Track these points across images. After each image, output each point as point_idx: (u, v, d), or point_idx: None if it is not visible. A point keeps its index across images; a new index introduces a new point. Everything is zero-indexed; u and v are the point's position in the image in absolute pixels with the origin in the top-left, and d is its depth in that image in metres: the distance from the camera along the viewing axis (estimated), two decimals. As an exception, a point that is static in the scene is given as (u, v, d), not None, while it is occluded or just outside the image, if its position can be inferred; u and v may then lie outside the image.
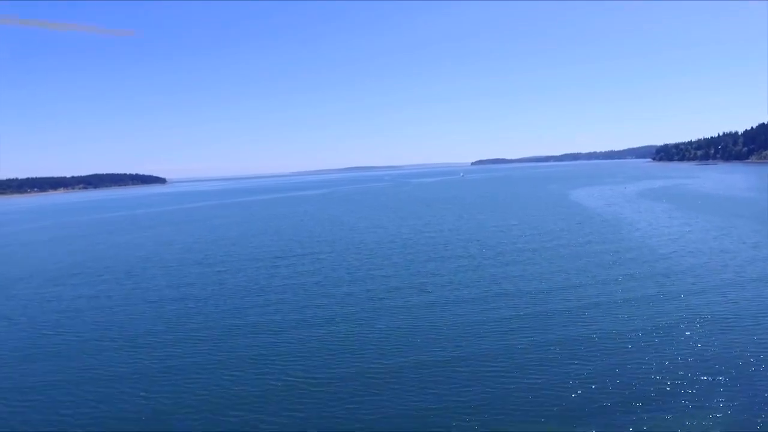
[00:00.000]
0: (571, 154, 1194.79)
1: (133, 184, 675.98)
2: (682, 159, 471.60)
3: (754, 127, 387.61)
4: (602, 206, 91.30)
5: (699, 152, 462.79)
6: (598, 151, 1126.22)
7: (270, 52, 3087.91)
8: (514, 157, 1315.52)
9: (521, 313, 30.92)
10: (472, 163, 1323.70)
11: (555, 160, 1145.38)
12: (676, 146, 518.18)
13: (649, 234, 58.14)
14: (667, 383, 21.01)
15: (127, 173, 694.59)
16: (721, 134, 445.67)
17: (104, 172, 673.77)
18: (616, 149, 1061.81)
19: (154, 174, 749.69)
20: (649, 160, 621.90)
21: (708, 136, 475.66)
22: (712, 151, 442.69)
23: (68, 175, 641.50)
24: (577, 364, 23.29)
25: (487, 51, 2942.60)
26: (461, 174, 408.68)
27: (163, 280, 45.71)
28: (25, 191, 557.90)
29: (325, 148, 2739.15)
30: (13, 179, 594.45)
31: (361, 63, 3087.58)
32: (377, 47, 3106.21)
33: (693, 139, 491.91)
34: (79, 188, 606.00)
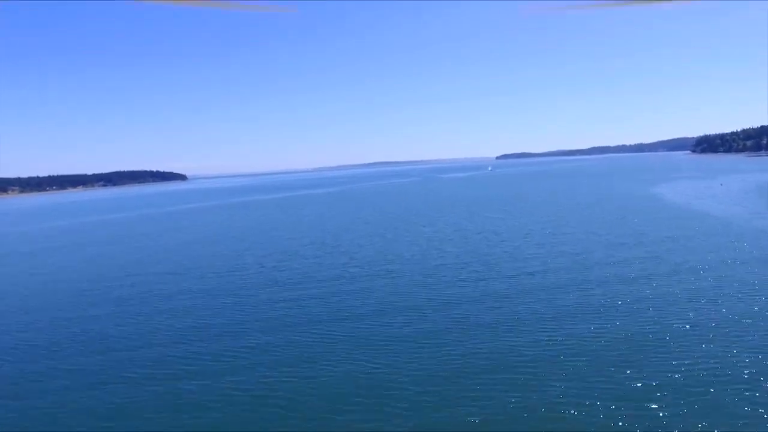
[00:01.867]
0: (599, 147, 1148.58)
1: (153, 181, 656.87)
2: (728, 150, 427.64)
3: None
4: (753, 218, 57.51)
5: (748, 143, 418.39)
6: (627, 144, 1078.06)
7: (298, 50, 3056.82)
8: (539, 151, 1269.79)
9: None
10: (497, 158, 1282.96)
11: (582, 154, 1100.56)
12: (721, 137, 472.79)
13: None
14: None
15: (148, 170, 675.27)
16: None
17: (125, 170, 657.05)
18: (645, 142, 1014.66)
19: (175, 171, 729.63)
20: (688, 152, 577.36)
21: (743, 127, 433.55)
22: (765, 141, 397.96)
23: (90, 173, 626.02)
24: None
25: (510, 46, 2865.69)
26: (489, 168, 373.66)
27: None
28: (45, 189, 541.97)
29: (348, 143, 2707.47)
30: (33, 177, 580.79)
31: (385, 60, 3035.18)
32: (404, 44, 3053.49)
33: (737, 130, 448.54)
34: (99, 186, 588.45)
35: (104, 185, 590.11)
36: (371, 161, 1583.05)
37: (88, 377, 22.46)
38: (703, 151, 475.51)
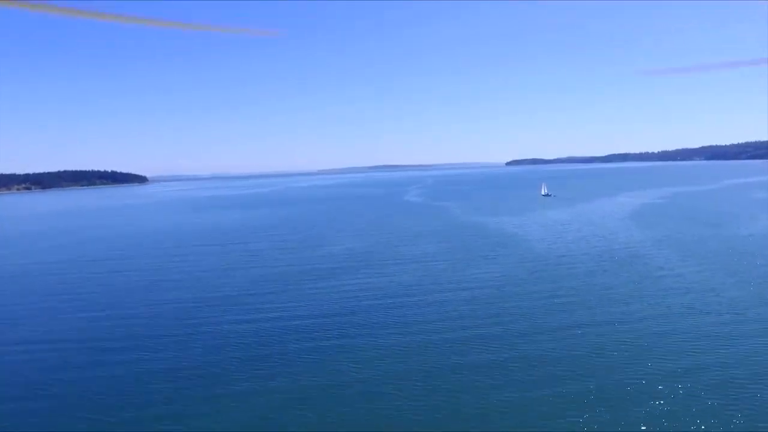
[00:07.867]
0: (618, 154, 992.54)
1: (103, 183, 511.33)
2: None
3: None
4: None
5: None
6: (650, 151, 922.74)
7: (308, 49, 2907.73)
8: (551, 158, 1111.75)
9: None
10: (507, 163, 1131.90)
11: (600, 162, 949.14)
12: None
13: None
14: None
15: (97, 170, 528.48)
16: None
17: (70, 170, 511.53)
18: (669, 149, 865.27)
19: (135, 172, 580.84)
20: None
21: None
22: None
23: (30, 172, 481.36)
24: None
25: (520, 49, 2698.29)
26: (544, 192, 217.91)
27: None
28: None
29: (354, 145, 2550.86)
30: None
31: (393, 62, 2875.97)
32: (409, 45, 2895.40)
33: None
34: (21, 189, 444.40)
35: (28, 188, 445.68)
36: (376, 164, 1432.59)
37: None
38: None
